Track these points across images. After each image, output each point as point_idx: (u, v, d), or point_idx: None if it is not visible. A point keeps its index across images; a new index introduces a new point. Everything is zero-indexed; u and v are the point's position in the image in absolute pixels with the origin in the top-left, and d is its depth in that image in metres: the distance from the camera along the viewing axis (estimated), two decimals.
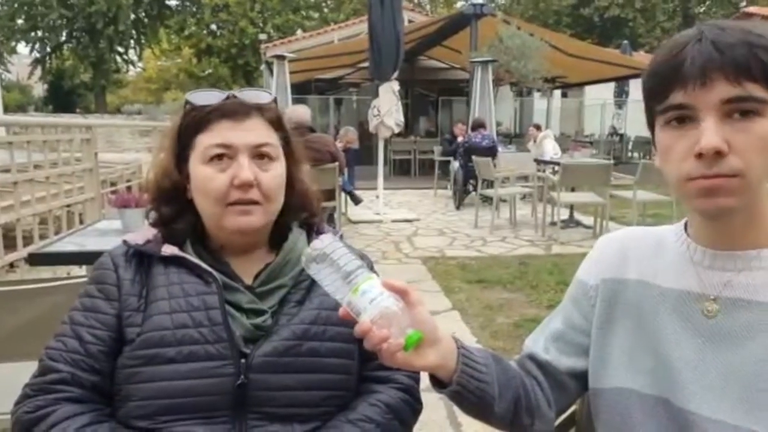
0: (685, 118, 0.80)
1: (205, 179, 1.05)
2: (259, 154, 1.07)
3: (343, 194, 7.89)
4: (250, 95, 1.10)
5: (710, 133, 0.76)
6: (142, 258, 1.08)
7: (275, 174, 1.09)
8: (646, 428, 0.91)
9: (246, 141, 1.06)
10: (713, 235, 0.88)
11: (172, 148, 1.11)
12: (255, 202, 1.06)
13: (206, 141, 1.06)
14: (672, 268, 0.93)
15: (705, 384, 0.85)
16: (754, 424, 0.80)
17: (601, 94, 18.31)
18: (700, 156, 0.77)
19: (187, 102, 1.10)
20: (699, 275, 0.89)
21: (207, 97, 1.08)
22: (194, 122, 1.08)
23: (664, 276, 0.94)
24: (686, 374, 0.87)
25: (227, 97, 1.08)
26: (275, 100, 1.14)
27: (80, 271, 2.95)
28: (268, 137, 1.09)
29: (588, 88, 19.67)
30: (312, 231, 1.20)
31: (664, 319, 0.91)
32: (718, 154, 0.76)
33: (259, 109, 1.09)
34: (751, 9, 24.06)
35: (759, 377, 0.81)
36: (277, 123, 1.12)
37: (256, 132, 1.08)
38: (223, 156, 1.05)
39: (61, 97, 35.00)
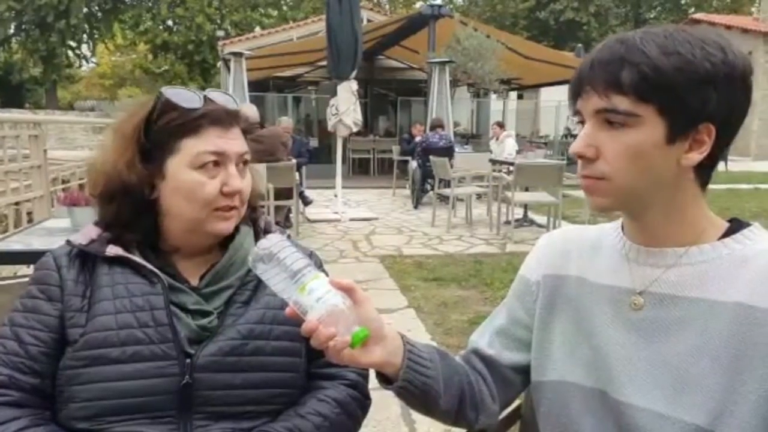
0: (582, 122, 0.88)
1: (195, 184, 1.04)
2: (240, 162, 1.09)
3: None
4: (224, 100, 1.10)
5: (578, 139, 0.87)
6: (86, 258, 1.07)
7: (249, 179, 1.11)
8: (583, 419, 0.95)
9: (235, 150, 1.07)
10: (640, 232, 0.93)
11: (138, 144, 1.07)
12: (236, 208, 1.08)
13: (198, 147, 1.05)
14: (608, 265, 0.97)
15: (636, 375, 0.89)
16: (682, 413, 0.84)
17: (555, 95, 18.61)
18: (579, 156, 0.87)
19: (165, 100, 1.06)
20: (631, 271, 0.93)
21: (188, 99, 1.06)
22: (178, 124, 1.05)
23: (601, 272, 0.97)
24: (619, 366, 0.90)
25: (205, 99, 1.07)
26: None
27: (27, 271, 2.88)
28: (247, 146, 1.11)
29: (543, 90, 19.97)
30: (258, 229, 1.20)
31: (599, 313, 0.95)
32: (587, 158, 0.86)
33: (237, 117, 1.11)
34: (698, 15, 24.86)
35: (687, 368, 0.85)
36: (246, 130, 1.14)
37: (240, 141, 1.09)
38: (214, 162, 1.05)
39: (10, 92, 33.84)
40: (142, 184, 1.06)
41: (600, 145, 0.85)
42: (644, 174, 0.84)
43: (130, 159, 1.06)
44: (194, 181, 1.05)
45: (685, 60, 0.79)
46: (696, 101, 0.80)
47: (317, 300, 0.81)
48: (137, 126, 1.07)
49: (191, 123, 1.05)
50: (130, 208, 1.07)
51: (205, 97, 1.08)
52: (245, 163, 1.11)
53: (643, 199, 0.87)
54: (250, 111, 6.39)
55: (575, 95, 0.87)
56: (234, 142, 1.08)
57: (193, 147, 1.05)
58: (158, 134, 1.06)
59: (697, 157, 0.84)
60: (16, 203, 4.62)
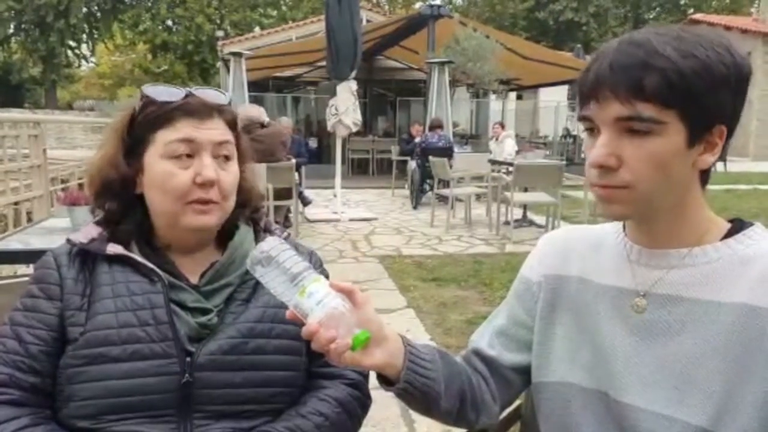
0: (592, 128, 0.85)
1: (166, 175, 1.04)
2: (219, 154, 1.07)
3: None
4: (210, 95, 1.09)
5: (597, 148, 0.83)
6: (86, 257, 1.07)
7: (233, 173, 1.09)
8: (584, 420, 0.95)
9: (210, 138, 1.06)
10: (644, 234, 0.92)
11: (122, 140, 1.09)
12: (214, 202, 1.06)
13: (168, 137, 1.05)
14: (610, 266, 0.97)
15: (639, 376, 0.88)
16: (685, 415, 0.84)
17: (555, 96, 18.62)
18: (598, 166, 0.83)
19: (144, 96, 1.07)
20: (633, 272, 0.93)
21: (167, 93, 1.07)
22: (154, 117, 1.06)
23: (603, 273, 0.97)
24: (622, 367, 0.90)
25: (186, 95, 1.07)
26: (230, 102, 1.14)
27: (27, 270, 2.88)
28: (229, 136, 1.10)
29: (542, 91, 19.97)
30: (258, 227, 1.20)
31: (601, 314, 0.95)
32: (608, 167, 0.82)
33: (219, 109, 1.09)
34: (698, 16, 24.88)
35: (689, 370, 0.85)
36: (232, 123, 1.12)
37: (218, 131, 1.07)
38: (185, 152, 1.05)
39: (9, 92, 33.78)
40: (125, 179, 1.07)
41: (622, 153, 0.82)
42: (666, 180, 0.83)
43: (113, 156, 1.08)
44: (165, 171, 1.04)
45: (702, 63, 0.78)
46: (714, 104, 0.80)
47: (317, 303, 0.81)
48: (122, 124, 1.09)
49: (165, 115, 1.05)
50: (118, 205, 1.09)
51: (188, 92, 1.08)
52: (227, 158, 1.08)
53: (658, 204, 0.86)
54: (255, 111, 6.40)
55: (588, 99, 0.84)
56: (209, 132, 1.06)
57: (165, 137, 1.05)
58: (138, 129, 1.08)
59: (711, 159, 0.84)
60: (16, 203, 4.62)
